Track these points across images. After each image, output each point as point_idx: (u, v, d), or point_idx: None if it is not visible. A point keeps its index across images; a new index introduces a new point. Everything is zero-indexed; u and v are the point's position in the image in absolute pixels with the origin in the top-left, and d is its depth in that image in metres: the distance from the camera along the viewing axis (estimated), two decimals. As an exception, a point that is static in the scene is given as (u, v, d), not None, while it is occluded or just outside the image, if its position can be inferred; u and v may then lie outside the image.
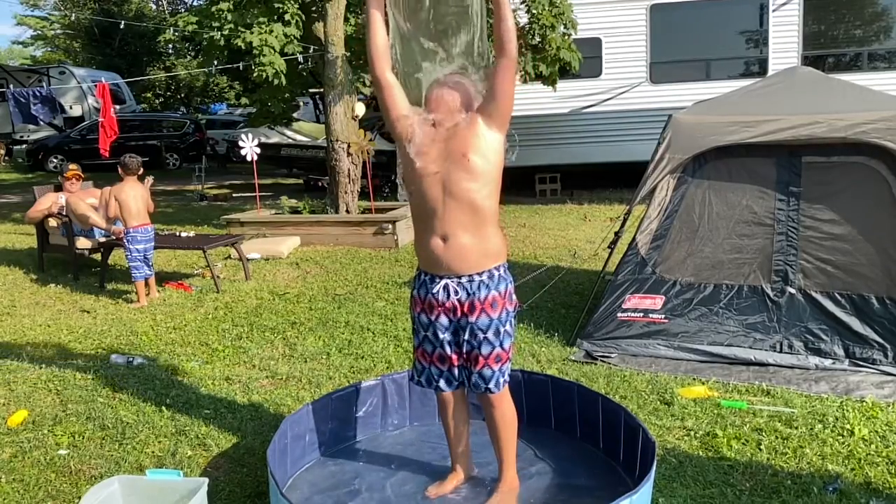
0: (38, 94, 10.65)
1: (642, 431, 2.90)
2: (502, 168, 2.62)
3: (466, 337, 2.63)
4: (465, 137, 2.53)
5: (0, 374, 4.38)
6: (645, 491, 2.54)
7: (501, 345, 2.64)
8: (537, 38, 9.39)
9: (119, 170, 6.08)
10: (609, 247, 5.40)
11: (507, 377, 2.71)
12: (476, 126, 2.53)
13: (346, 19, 9.01)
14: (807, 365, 4.13)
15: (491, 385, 2.66)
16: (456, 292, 2.60)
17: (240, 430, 3.54)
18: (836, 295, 4.17)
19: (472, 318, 2.61)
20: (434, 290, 2.62)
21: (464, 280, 2.59)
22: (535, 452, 3.16)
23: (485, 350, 2.62)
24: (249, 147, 9.38)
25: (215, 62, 10.23)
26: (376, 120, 12.43)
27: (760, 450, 3.21)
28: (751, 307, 4.31)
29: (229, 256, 7.75)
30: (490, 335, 2.62)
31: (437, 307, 2.64)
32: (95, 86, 11.48)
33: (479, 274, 2.59)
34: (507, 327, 2.65)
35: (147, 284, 6.05)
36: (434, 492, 2.86)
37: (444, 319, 2.65)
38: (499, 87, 2.53)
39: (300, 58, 9.77)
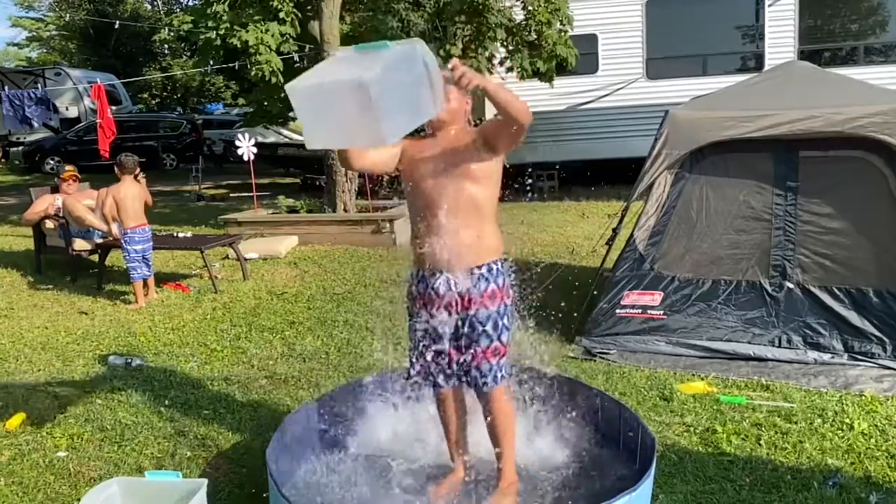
0: (32, 95, 10.60)
1: (641, 427, 2.90)
2: (502, 168, 2.63)
3: (465, 330, 2.64)
4: (466, 148, 2.56)
5: (-2, 376, 4.38)
6: (645, 487, 2.54)
7: (499, 338, 2.64)
8: (533, 35, 9.39)
9: (116, 170, 6.07)
10: (607, 243, 5.40)
11: (504, 372, 2.71)
12: (474, 138, 2.56)
13: (342, 18, 9.00)
14: (806, 359, 4.13)
15: (489, 379, 2.66)
16: (456, 285, 2.61)
17: (239, 431, 3.54)
18: (835, 289, 4.17)
19: (472, 311, 2.62)
20: (434, 285, 2.63)
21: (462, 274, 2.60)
22: (534, 449, 3.16)
23: (483, 343, 2.63)
24: (246, 147, 9.36)
25: (211, 62, 10.21)
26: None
27: (760, 445, 3.21)
28: (749, 302, 4.32)
29: (227, 256, 7.74)
30: (489, 328, 2.62)
31: (436, 302, 2.65)
32: (91, 87, 11.45)
33: (479, 267, 2.61)
34: (505, 321, 2.66)
35: (146, 285, 6.04)
36: (434, 490, 2.86)
37: (443, 314, 2.66)
38: (500, 146, 2.54)
39: (296, 57, 9.75)
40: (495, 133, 2.51)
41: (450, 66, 2.25)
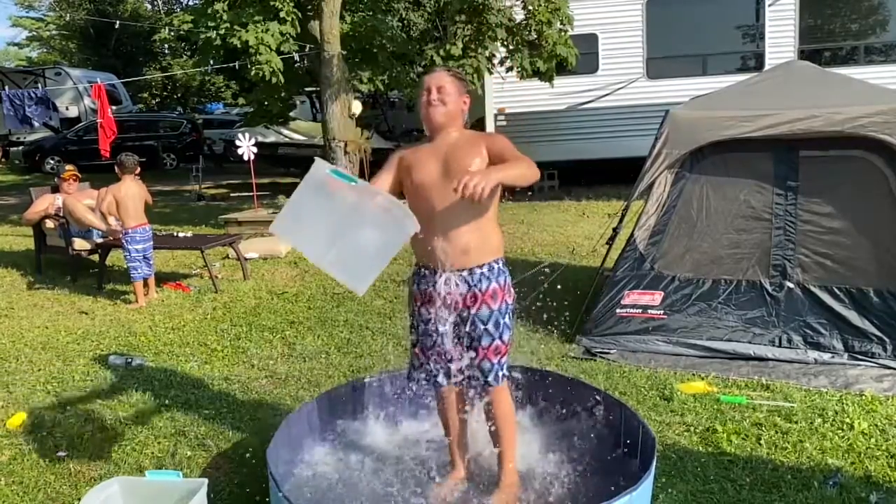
0: (33, 95, 10.62)
1: (642, 427, 2.90)
2: None
3: (467, 329, 2.65)
4: (467, 154, 2.57)
5: (-2, 376, 4.37)
6: (645, 487, 2.54)
7: (501, 336, 2.65)
8: (533, 35, 9.38)
9: (116, 169, 6.07)
10: (607, 243, 5.39)
11: (505, 371, 2.71)
12: (479, 151, 2.58)
13: (342, 17, 8.99)
14: (806, 359, 4.13)
15: (490, 378, 2.66)
16: (457, 285, 2.62)
17: (239, 430, 3.54)
18: (835, 289, 4.17)
19: (474, 310, 2.62)
20: (436, 284, 2.64)
21: (465, 273, 2.61)
22: (534, 448, 3.16)
23: (485, 342, 2.63)
24: (246, 146, 9.36)
25: (211, 62, 10.20)
26: (373, 118, 12.38)
27: (760, 444, 3.22)
28: (749, 302, 4.32)
29: (227, 256, 7.74)
30: (490, 326, 2.63)
31: (438, 300, 2.65)
32: (91, 87, 11.46)
33: (480, 267, 2.62)
34: (507, 320, 2.67)
35: (146, 285, 6.04)
36: (435, 489, 2.86)
37: (444, 312, 2.66)
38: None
39: (296, 56, 9.75)
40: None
41: (459, 189, 2.22)
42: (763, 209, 4.32)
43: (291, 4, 8.76)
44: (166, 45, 29.72)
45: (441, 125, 2.63)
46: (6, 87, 16.29)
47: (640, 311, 4.45)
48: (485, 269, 2.62)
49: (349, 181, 2.32)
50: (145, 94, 30.37)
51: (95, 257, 6.85)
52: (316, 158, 2.46)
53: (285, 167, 14.94)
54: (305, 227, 2.40)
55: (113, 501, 2.65)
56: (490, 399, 2.72)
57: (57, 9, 31.76)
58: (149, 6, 33.81)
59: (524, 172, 2.42)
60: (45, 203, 7.05)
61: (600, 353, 4.37)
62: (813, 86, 4.64)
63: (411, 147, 2.76)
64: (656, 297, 4.44)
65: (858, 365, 4.04)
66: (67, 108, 20.59)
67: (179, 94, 31.52)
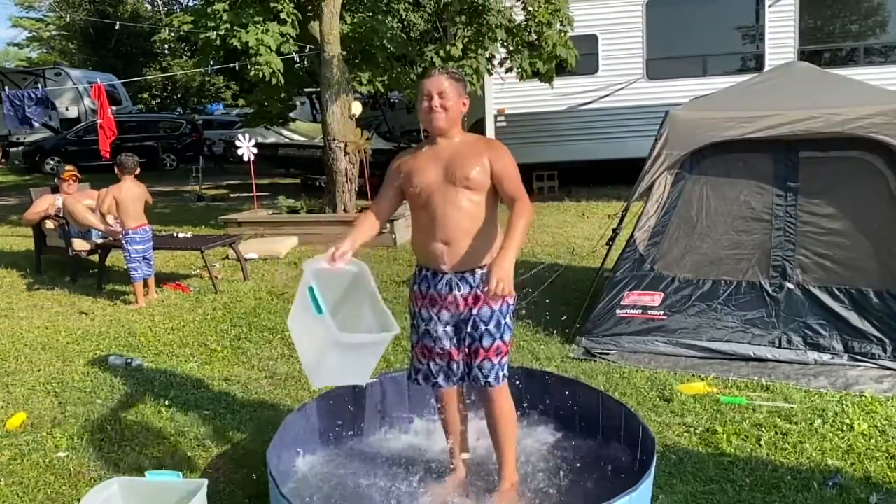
0: (32, 95, 10.63)
1: (642, 428, 2.90)
2: None
3: (469, 329, 2.65)
4: (469, 162, 2.58)
5: (-2, 376, 4.37)
6: (645, 487, 2.54)
7: (502, 337, 2.66)
8: (533, 36, 9.38)
9: (116, 170, 6.07)
10: (607, 244, 5.40)
11: (506, 371, 2.72)
12: (481, 160, 2.58)
13: (342, 18, 8.98)
14: (806, 360, 4.13)
15: (490, 378, 2.66)
16: (458, 287, 2.62)
17: (239, 431, 3.54)
18: (835, 290, 4.17)
19: (475, 311, 2.63)
20: (437, 285, 2.64)
21: (466, 274, 2.62)
22: (535, 449, 3.16)
23: (486, 342, 2.64)
24: (246, 147, 9.37)
25: (211, 62, 10.20)
26: (373, 119, 12.37)
27: (760, 445, 3.22)
28: (749, 303, 4.32)
29: (227, 257, 7.74)
30: (491, 327, 2.64)
31: (439, 301, 2.66)
32: (91, 87, 11.46)
33: (481, 268, 2.62)
34: (507, 320, 2.68)
35: (146, 285, 6.04)
36: (434, 491, 2.86)
37: (445, 314, 2.67)
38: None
39: (296, 57, 9.74)
40: (503, 196, 2.60)
41: (489, 292, 2.31)
42: (763, 210, 4.32)
43: (291, 5, 8.75)
44: (166, 46, 29.75)
45: (444, 130, 2.64)
46: (6, 88, 16.27)
47: (639, 311, 4.45)
48: (486, 270, 2.62)
49: (316, 310, 2.30)
50: (145, 95, 30.39)
51: (95, 258, 6.84)
52: (305, 262, 2.47)
53: (285, 168, 14.94)
54: (306, 329, 2.44)
55: (113, 502, 2.64)
56: (491, 400, 2.72)
57: (57, 9, 31.77)
58: (149, 6, 33.83)
59: (527, 222, 2.47)
60: (44, 203, 7.05)
61: (600, 353, 4.37)
62: (813, 87, 4.65)
63: (410, 151, 2.76)
64: (656, 298, 4.44)
65: (858, 366, 4.04)
66: (67, 109, 20.60)
67: (179, 95, 31.55)
